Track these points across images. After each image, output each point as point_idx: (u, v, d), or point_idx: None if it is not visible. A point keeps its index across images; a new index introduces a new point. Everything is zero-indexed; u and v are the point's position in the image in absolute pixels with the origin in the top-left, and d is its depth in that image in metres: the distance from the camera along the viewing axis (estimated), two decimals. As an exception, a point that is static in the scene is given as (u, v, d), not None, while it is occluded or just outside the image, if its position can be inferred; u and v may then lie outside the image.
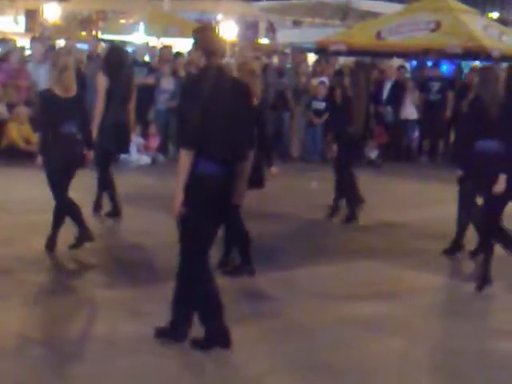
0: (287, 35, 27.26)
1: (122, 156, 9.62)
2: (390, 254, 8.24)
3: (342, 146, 9.63)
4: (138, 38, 21.92)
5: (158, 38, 22.37)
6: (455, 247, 8.26)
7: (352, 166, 9.73)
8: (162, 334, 5.37)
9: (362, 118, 9.61)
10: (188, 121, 5.07)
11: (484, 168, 7.40)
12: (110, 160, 9.33)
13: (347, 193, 9.75)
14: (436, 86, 15.53)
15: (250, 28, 32.16)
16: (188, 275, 5.23)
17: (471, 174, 7.64)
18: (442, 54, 16.10)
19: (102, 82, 9.05)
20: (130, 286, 6.72)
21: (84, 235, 7.62)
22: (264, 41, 29.05)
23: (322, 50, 17.75)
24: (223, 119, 5.07)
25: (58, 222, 7.67)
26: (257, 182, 6.99)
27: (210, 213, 5.11)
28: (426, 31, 16.69)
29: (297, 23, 32.28)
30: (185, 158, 5.01)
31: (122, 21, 24.66)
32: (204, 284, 5.23)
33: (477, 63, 16.20)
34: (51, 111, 7.56)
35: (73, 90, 7.63)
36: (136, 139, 13.17)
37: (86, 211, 8.64)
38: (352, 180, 9.72)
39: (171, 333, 5.35)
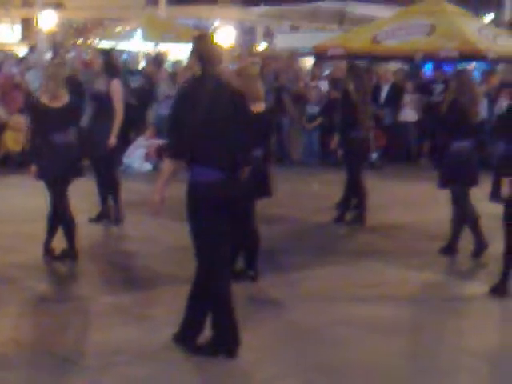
0: (285, 40, 27.24)
1: (125, 162, 9.59)
2: (392, 254, 8.22)
3: (349, 150, 9.59)
4: (135, 44, 21.90)
5: (156, 44, 22.34)
6: (450, 248, 8.20)
7: (361, 170, 9.69)
8: (177, 339, 5.31)
9: (368, 121, 9.61)
10: (177, 130, 5.10)
11: (459, 167, 7.80)
12: (113, 164, 9.25)
13: (359, 195, 9.70)
14: (439, 88, 15.42)
15: (247, 33, 32.17)
16: (208, 282, 5.16)
17: (450, 175, 7.90)
18: (438, 57, 16.09)
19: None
20: (131, 292, 6.70)
21: (69, 252, 7.56)
22: (262, 46, 29.04)
23: (320, 55, 17.74)
24: (218, 127, 5.07)
25: (52, 229, 7.62)
26: (265, 190, 6.95)
27: (219, 220, 5.09)
28: (421, 35, 16.68)
29: (294, 28, 32.28)
30: (168, 164, 5.12)
31: (119, 28, 24.59)
32: (224, 289, 5.17)
33: (474, 64, 16.22)
34: (38, 120, 7.41)
35: (62, 99, 7.45)
36: (141, 145, 13.21)
37: (83, 218, 8.58)
38: (361, 184, 9.67)
39: (184, 337, 5.30)
